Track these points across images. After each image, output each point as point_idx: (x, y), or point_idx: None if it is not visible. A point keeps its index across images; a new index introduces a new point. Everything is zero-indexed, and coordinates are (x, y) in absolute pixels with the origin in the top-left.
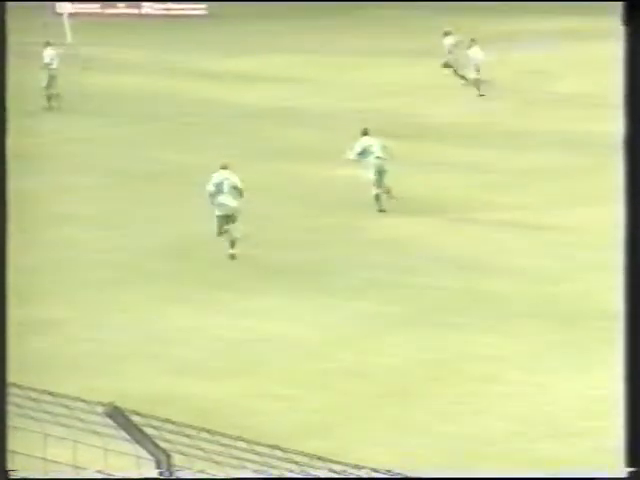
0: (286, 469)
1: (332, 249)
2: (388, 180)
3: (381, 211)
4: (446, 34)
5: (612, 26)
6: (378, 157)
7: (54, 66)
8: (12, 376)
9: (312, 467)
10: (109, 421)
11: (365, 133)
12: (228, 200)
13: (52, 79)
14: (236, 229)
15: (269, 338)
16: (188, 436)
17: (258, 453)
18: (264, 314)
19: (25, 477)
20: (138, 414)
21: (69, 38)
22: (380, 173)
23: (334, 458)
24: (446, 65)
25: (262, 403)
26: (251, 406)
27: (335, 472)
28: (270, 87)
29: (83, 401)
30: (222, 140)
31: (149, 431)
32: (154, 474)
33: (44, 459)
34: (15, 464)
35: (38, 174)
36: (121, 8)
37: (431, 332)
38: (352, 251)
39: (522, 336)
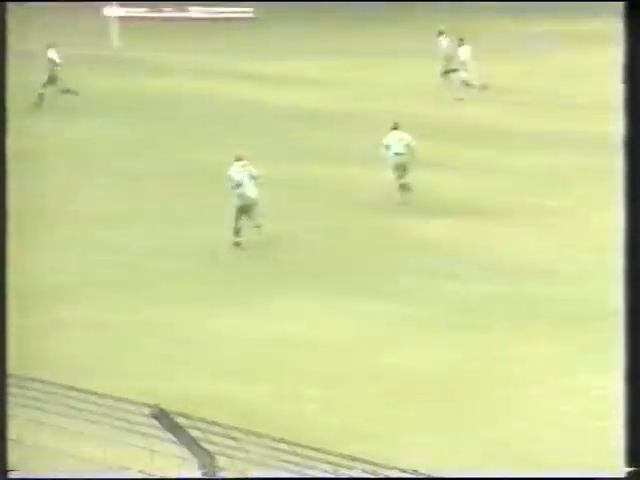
0: (325, 470)
1: (362, 250)
2: (409, 177)
3: (402, 204)
4: (440, 34)
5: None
6: (398, 153)
7: (58, 66)
8: (59, 377)
9: (353, 468)
10: (154, 422)
11: (395, 127)
12: (248, 191)
13: (53, 78)
14: (255, 218)
15: (301, 340)
16: (232, 438)
17: (299, 455)
18: (294, 316)
19: (25, 477)
20: (183, 416)
21: (115, 42)
22: (400, 168)
23: (376, 461)
24: (446, 68)
25: (296, 406)
26: (286, 409)
27: (368, 472)
28: (312, 89)
29: (130, 402)
30: (259, 141)
31: (193, 433)
32: (198, 475)
33: (91, 458)
34: (63, 462)
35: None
36: (168, 12)
37: (462, 335)
38: (382, 253)
39: (557, 339)
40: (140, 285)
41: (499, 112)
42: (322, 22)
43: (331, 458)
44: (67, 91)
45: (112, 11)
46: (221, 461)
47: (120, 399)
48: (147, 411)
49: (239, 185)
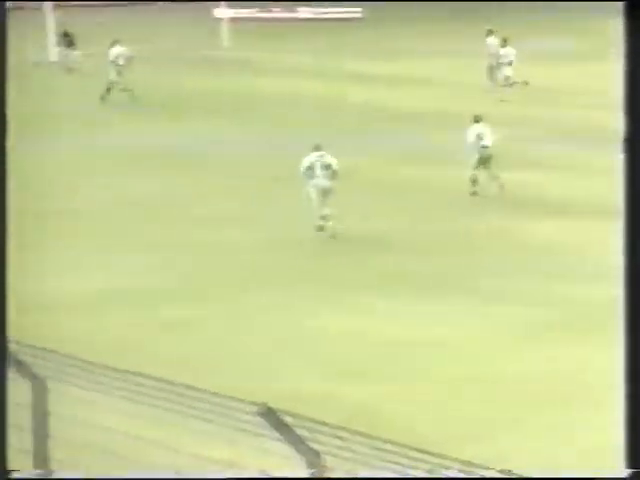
0: (434, 471)
1: (477, 252)
2: (494, 170)
3: (473, 194)
4: (489, 33)
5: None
6: (484, 146)
7: (121, 63)
8: (168, 374)
9: (450, 468)
10: (262, 421)
11: (477, 120)
12: (321, 180)
13: (119, 75)
14: (329, 207)
15: (415, 341)
16: (339, 438)
17: (408, 456)
18: (409, 317)
19: (25, 477)
20: (290, 415)
21: (226, 42)
22: (483, 161)
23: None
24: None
25: (410, 407)
26: (399, 410)
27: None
28: (420, 89)
29: (238, 400)
30: (362, 141)
31: (300, 432)
32: (306, 474)
33: (197, 455)
34: (172, 462)
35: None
36: (277, 12)
37: (578, 341)
38: (496, 255)
39: None
40: (238, 283)
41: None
42: (429, 22)
43: (431, 458)
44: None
45: (222, 12)
46: (328, 461)
47: (228, 397)
48: (255, 409)
49: (314, 175)
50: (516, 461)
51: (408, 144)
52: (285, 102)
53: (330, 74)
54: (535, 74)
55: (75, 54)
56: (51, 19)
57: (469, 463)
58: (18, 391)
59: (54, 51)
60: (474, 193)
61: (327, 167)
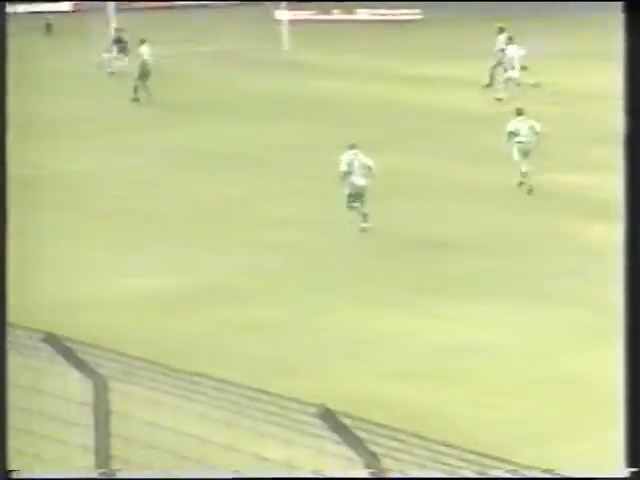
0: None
1: (529, 254)
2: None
3: (521, 184)
4: (500, 31)
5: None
6: (521, 141)
7: (148, 60)
8: (232, 375)
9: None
10: (321, 422)
11: (519, 113)
12: (357, 179)
13: (145, 73)
14: (364, 205)
15: (473, 344)
16: (398, 440)
17: (466, 460)
18: (468, 320)
19: (25, 477)
20: (349, 417)
21: (286, 45)
22: (524, 154)
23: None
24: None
25: (470, 411)
26: (459, 413)
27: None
28: (480, 91)
29: (297, 402)
30: (421, 144)
31: (359, 434)
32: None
33: (257, 455)
34: (232, 462)
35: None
36: (336, 14)
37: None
38: (550, 257)
39: None
40: (304, 284)
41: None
42: (489, 23)
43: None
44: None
45: (283, 14)
46: (387, 463)
47: (287, 398)
48: (314, 411)
49: (347, 173)
50: (580, 465)
51: (461, 145)
52: (343, 104)
53: (389, 76)
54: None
55: (125, 59)
56: (113, 21)
57: (520, 465)
58: (81, 390)
59: (109, 54)
60: (520, 183)
61: (364, 166)
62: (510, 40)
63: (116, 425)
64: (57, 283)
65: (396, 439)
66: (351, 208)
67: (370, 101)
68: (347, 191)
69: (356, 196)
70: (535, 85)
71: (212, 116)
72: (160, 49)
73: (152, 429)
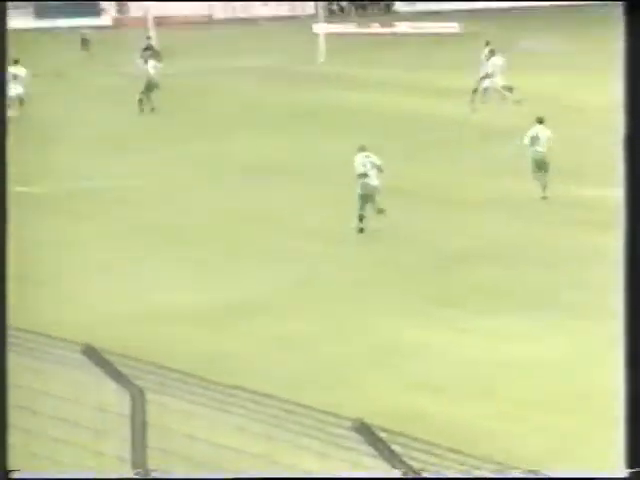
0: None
1: (563, 264)
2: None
3: (544, 198)
4: (487, 44)
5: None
6: (538, 150)
7: (154, 75)
8: (264, 388)
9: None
10: (357, 436)
11: (540, 121)
12: (372, 180)
13: (150, 86)
14: (376, 204)
15: (504, 358)
16: (435, 455)
17: (505, 475)
18: (497, 333)
19: (25, 477)
20: (385, 430)
21: (322, 58)
22: (539, 164)
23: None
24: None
25: (501, 424)
26: (490, 427)
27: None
28: (524, 105)
29: (333, 415)
30: (457, 156)
31: (395, 448)
32: None
33: (293, 468)
34: (266, 474)
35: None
36: (375, 28)
37: None
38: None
39: None
40: (336, 296)
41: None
42: (526, 37)
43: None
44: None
45: (320, 27)
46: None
47: (323, 412)
48: (349, 424)
49: (363, 175)
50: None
51: (495, 158)
52: (376, 115)
53: (424, 88)
54: None
55: (157, 67)
56: (154, 35)
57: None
58: (119, 401)
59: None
60: (544, 197)
61: (376, 167)
62: (492, 52)
63: (153, 437)
64: (91, 296)
65: (432, 453)
66: (364, 210)
67: (402, 113)
68: (361, 192)
69: (369, 197)
70: (508, 89)
71: (245, 129)
72: (198, 64)
73: (189, 441)
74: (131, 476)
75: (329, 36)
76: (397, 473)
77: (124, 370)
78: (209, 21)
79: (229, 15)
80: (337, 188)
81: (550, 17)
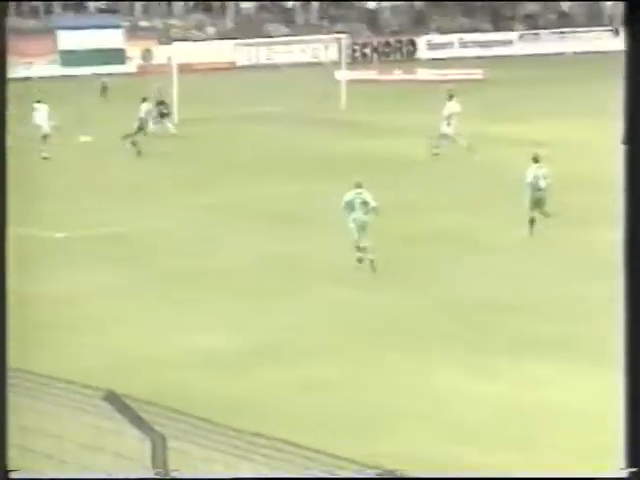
0: None
1: (591, 314)
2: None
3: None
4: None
5: None
6: (539, 189)
7: (144, 117)
8: (290, 434)
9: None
10: None
11: (535, 160)
12: (360, 215)
13: (140, 129)
14: (366, 240)
15: (548, 408)
16: None
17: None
18: (541, 382)
19: (25, 477)
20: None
21: (344, 104)
22: (537, 202)
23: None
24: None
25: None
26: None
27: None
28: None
29: (356, 463)
30: (478, 204)
31: None
32: None
33: None
34: None
35: None
36: (397, 75)
37: None
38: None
39: None
40: (368, 342)
41: None
42: (552, 84)
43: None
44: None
45: (342, 75)
46: None
47: (346, 459)
48: (371, 472)
49: (352, 210)
50: None
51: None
52: (395, 163)
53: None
54: None
55: (168, 123)
56: (176, 81)
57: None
58: (139, 448)
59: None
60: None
61: (365, 203)
62: (451, 97)
63: None
64: (117, 340)
65: None
66: (357, 242)
67: (420, 160)
68: (353, 227)
69: (360, 230)
70: (456, 138)
71: (265, 176)
72: (219, 110)
73: None
74: (151, 476)
75: (351, 82)
76: None
77: (147, 416)
78: (232, 67)
79: (252, 62)
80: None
81: (577, 63)
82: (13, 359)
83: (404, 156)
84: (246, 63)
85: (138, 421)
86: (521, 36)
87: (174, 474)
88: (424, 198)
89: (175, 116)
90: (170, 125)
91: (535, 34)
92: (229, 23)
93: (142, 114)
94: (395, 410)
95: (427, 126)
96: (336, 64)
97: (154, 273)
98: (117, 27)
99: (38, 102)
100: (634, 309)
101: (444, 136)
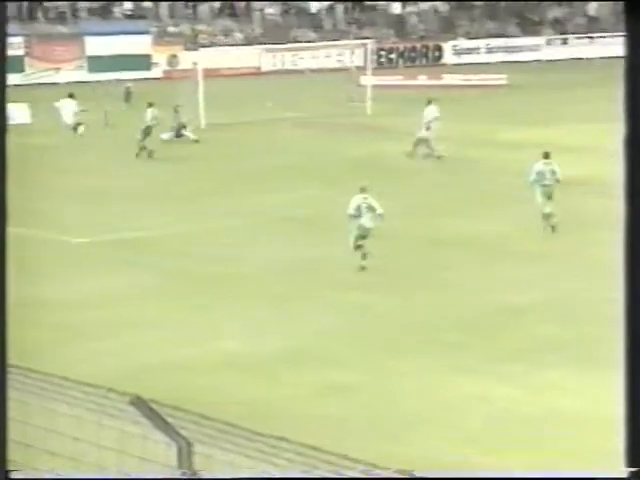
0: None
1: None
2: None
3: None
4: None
5: None
6: (545, 185)
7: (150, 123)
8: (313, 439)
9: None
10: None
11: (546, 156)
12: (366, 221)
13: (147, 133)
14: (367, 245)
15: (555, 413)
16: None
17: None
18: (551, 387)
19: (25, 477)
20: None
21: (369, 109)
22: (546, 197)
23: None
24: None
25: None
26: None
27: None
28: (568, 157)
29: (377, 467)
30: (499, 210)
31: None
32: None
33: None
34: None
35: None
36: (422, 80)
37: None
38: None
39: None
40: (388, 348)
41: None
42: (574, 88)
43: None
44: None
45: (367, 79)
46: None
47: (368, 464)
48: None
49: (357, 216)
50: None
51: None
52: (419, 168)
53: (477, 141)
54: None
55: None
56: (202, 86)
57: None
58: (166, 453)
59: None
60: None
61: (371, 209)
62: (429, 103)
63: None
64: (145, 346)
65: None
66: (357, 248)
67: (455, 164)
68: (355, 232)
69: (362, 237)
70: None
71: (290, 180)
72: (245, 115)
73: None
74: (177, 476)
75: (376, 87)
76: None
77: (172, 421)
78: (258, 73)
79: (278, 67)
80: (379, 244)
81: (605, 68)
82: (41, 364)
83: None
84: (271, 68)
85: (164, 426)
86: (548, 41)
87: (201, 474)
88: (448, 201)
89: (201, 121)
90: (187, 133)
91: (563, 39)
92: (256, 29)
93: (148, 119)
94: (410, 414)
95: (451, 131)
96: (361, 69)
97: (177, 278)
98: (144, 33)
99: (70, 96)
100: (634, 310)
101: (422, 140)
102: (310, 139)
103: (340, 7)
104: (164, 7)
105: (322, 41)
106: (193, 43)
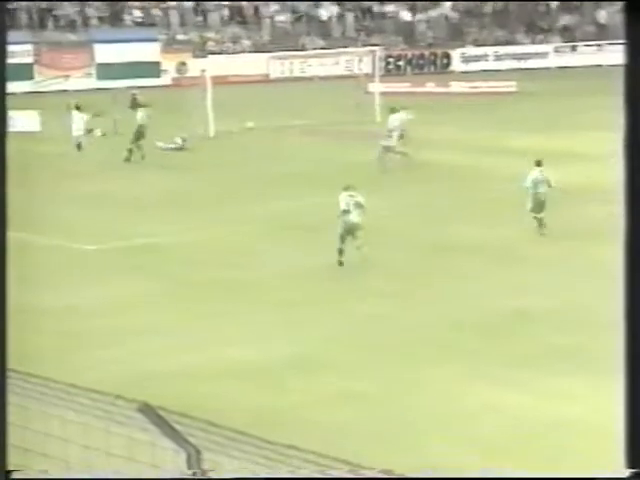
0: None
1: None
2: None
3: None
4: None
5: None
6: (538, 192)
7: (142, 124)
8: (321, 447)
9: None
10: None
11: (538, 164)
12: (353, 217)
13: (138, 135)
14: (358, 239)
15: (569, 422)
16: None
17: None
18: (563, 395)
19: (25, 477)
20: None
21: (378, 117)
22: (539, 205)
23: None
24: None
25: None
26: None
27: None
28: (579, 164)
29: (386, 472)
30: (508, 215)
31: None
32: None
33: None
34: None
35: None
36: (430, 87)
37: None
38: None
39: None
40: (397, 357)
41: None
42: (584, 96)
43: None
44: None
45: (375, 87)
46: None
47: (380, 471)
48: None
49: (345, 212)
50: None
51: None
52: (428, 176)
53: (485, 148)
54: None
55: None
56: (210, 95)
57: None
58: (174, 460)
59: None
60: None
61: (359, 205)
62: (393, 110)
63: None
64: (151, 353)
65: None
66: (344, 242)
67: (463, 171)
68: (342, 228)
69: (349, 232)
70: (404, 154)
71: (298, 188)
72: (253, 122)
73: None
74: (187, 476)
75: (384, 95)
76: None
77: (180, 428)
78: (266, 80)
79: (286, 75)
80: (391, 252)
81: (613, 75)
82: (52, 371)
83: (436, 166)
84: (280, 76)
85: (172, 433)
86: (557, 49)
87: (211, 474)
88: (456, 209)
89: (211, 127)
90: (178, 140)
91: (572, 46)
92: (265, 36)
93: (138, 122)
94: (422, 423)
95: (458, 137)
96: (369, 76)
97: (184, 285)
98: (153, 40)
99: (77, 108)
100: (634, 315)
101: (387, 148)
102: (318, 146)
103: (350, 14)
104: (175, 15)
105: (330, 48)
106: (201, 50)
